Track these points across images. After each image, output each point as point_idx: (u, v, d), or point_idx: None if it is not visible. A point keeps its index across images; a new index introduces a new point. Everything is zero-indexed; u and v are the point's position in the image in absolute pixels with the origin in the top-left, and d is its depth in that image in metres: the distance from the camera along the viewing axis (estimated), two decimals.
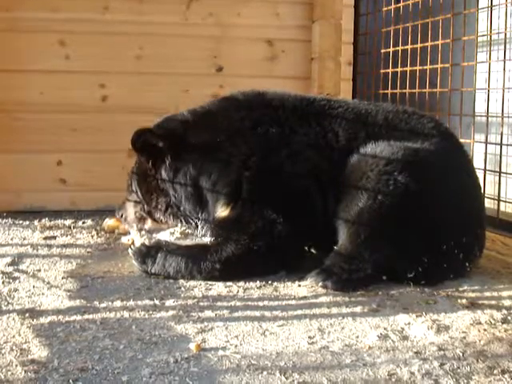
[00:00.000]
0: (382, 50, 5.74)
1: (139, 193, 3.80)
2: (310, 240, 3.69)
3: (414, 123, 3.65)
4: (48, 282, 3.31)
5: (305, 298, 3.17)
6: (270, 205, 3.49)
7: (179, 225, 3.84)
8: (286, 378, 2.29)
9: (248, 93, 3.86)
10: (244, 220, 3.50)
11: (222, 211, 3.58)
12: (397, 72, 5.52)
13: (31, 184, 5.01)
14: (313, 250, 3.75)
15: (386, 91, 5.64)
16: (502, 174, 4.67)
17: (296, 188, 3.53)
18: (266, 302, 3.09)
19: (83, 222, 4.65)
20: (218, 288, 3.28)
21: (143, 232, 3.89)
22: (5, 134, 4.94)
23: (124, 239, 4.05)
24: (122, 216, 4.01)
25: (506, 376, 2.34)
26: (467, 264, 3.46)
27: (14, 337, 2.59)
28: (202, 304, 3.03)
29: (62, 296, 3.11)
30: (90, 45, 5.06)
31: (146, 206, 3.81)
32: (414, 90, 5.35)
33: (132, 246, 3.62)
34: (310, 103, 3.80)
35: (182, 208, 3.69)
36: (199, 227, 3.71)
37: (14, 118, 4.97)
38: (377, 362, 2.45)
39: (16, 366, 2.33)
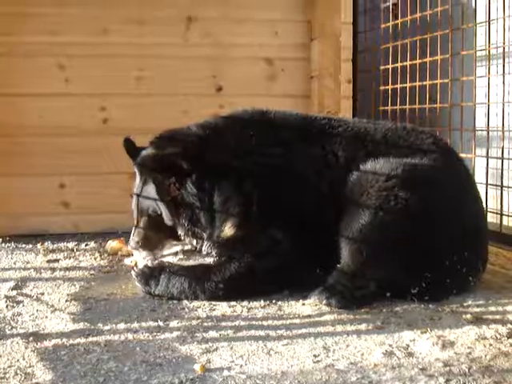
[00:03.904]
0: (381, 67, 5.76)
1: (168, 214, 3.65)
2: (314, 259, 3.67)
3: (413, 139, 3.66)
4: (52, 306, 3.31)
5: (309, 316, 3.17)
6: (275, 225, 3.49)
7: (194, 243, 3.75)
8: None
9: (251, 111, 3.86)
10: (249, 240, 3.50)
11: (229, 231, 3.56)
12: (396, 88, 5.54)
13: (34, 207, 5.01)
14: (316, 269, 3.74)
15: (386, 108, 5.65)
16: (503, 188, 4.67)
17: (300, 209, 3.52)
18: (270, 322, 3.08)
19: (86, 245, 4.65)
20: (222, 308, 3.27)
21: (145, 253, 3.85)
22: (6, 157, 4.95)
23: (127, 261, 4.04)
24: (141, 243, 3.80)
25: None
26: (471, 279, 3.45)
27: (18, 361, 2.59)
28: (206, 324, 3.03)
29: (66, 319, 3.10)
30: (89, 67, 5.07)
31: (177, 226, 3.69)
32: (414, 106, 5.36)
33: (135, 268, 3.62)
34: (312, 123, 3.81)
35: (199, 224, 3.63)
36: (205, 245, 3.68)
37: (15, 143, 4.97)
38: (382, 379, 2.44)
39: None
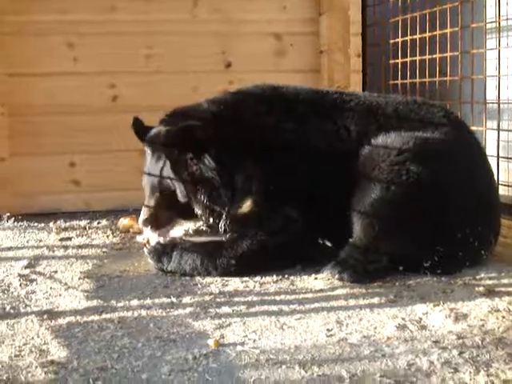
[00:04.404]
0: (391, 41, 5.72)
1: (182, 189, 3.59)
2: (326, 234, 3.68)
3: (424, 113, 3.64)
4: (65, 283, 3.32)
5: (322, 290, 3.17)
6: (291, 202, 3.49)
7: (211, 220, 3.68)
8: (306, 371, 2.29)
9: (262, 86, 3.84)
10: (265, 217, 3.50)
11: (246, 207, 3.55)
12: (406, 62, 5.50)
13: (45, 186, 5.03)
14: (328, 243, 3.74)
15: (396, 81, 5.62)
16: None
17: (314, 185, 3.51)
18: (282, 296, 3.09)
19: (98, 223, 4.66)
20: (235, 283, 3.28)
21: (155, 232, 3.81)
22: (16, 137, 4.95)
23: (139, 238, 4.04)
24: (153, 221, 3.74)
25: None
26: (483, 252, 3.44)
27: (32, 338, 2.60)
28: (219, 300, 3.04)
29: (80, 296, 3.12)
30: (98, 46, 5.07)
31: (193, 203, 3.62)
32: (424, 80, 5.33)
33: (147, 245, 3.62)
34: (323, 97, 3.79)
35: (218, 200, 3.56)
36: (222, 222, 3.62)
37: (25, 122, 4.98)
38: (396, 352, 2.44)
39: (36, 367, 2.34)
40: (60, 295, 3.15)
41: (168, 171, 3.62)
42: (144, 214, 3.76)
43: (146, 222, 3.74)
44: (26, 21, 4.96)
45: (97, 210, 5.04)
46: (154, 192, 3.70)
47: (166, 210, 3.73)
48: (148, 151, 3.77)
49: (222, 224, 3.61)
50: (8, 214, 4.77)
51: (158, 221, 3.75)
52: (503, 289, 3.13)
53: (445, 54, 5.07)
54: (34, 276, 3.45)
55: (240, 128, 3.59)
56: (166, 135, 3.63)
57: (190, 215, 3.72)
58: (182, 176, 3.58)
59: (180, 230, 3.99)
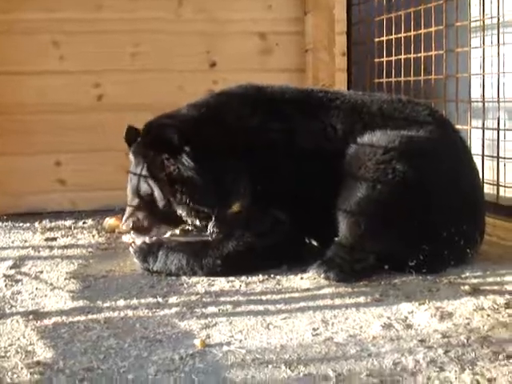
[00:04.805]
0: (376, 39, 5.73)
1: (159, 191, 3.61)
2: (312, 233, 3.68)
3: (409, 111, 3.65)
4: (51, 284, 3.31)
5: (308, 290, 3.18)
6: (279, 204, 3.48)
7: (197, 222, 3.69)
8: (292, 371, 2.29)
9: (246, 87, 3.83)
10: (251, 218, 3.50)
11: (236, 208, 3.54)
12: (391, 60, 5.51)
13: (30, 186, 5.01)
14: (314, 242, 3.74)
15: (381, 80, 5.63)
16: (500, 159, 4.67)
17: (302, 185, 3.51)
18: (268, 296, 3.09)
19: (84, 223, 4.65)
20: (221, 283, 3.28)
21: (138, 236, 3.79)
22: (1, 136, 4.94)
23: (125, 238, 4.02)
24: (133, 225, 3.76)
25: (511, 361, 2.33)
26: (468, 250, 3.45)
27: (18, 339, 2.59)
28: (205, 300, 3.04)
29: (65, 297, 3.11)
30: (83, 44, 5.06)
31: (172, 204, 3.61)
32: (409, 78, 5.34)
33: (133, 245, 3.61)
34: (309, 96, 3.79)
35: (202, 201, 3.57)
36: (211, 224, 3.61)
37: (11, 120, 4.97)
38: (381, 351, 2.45)
39: (22, 368, 2.33)
40: (46, 296, 3.14)
41: (146, 173, 3.64)
42: (125, 218, 3.78)
43: (128, 227, 3.76)
44: (14, 19, 4.95)
45: (82, 210, 5.03)
46: (135, 196, 3.73)
47: (148, 215, 3.73)
48: (131, 159, 3.78)
49: (210, 226, 3.60)
50: None
51: (139, 226, 3.75)
52: (488, 287, 3.14)
53: (430, 53, 5.08)
54: (19, 276, 3.44)
55: (222, 128, 3.58)
56: (141, 140, 3.68)
57: (173, 220, 3.72)
58: (159, 176, 3.60)
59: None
